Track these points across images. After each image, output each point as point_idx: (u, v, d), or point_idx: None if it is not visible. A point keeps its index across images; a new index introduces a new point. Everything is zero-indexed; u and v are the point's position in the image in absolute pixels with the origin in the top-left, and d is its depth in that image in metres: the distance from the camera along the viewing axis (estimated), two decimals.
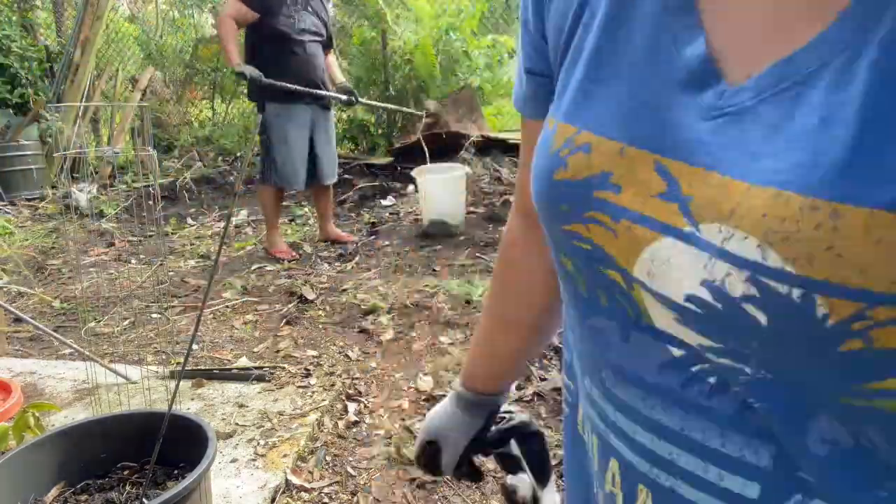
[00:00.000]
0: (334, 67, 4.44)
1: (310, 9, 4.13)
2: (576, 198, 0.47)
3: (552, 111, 0.52)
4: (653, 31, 0.44)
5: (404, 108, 5.62)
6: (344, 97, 4.32)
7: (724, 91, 0.41)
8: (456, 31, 6.83)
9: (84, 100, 6.48)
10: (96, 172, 6.46)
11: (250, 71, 3.89)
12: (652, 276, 0.43)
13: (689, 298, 0.41)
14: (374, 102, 5.07)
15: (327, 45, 4.34)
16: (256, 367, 2.70)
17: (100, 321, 3.31)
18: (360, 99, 4.51)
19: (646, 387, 0.47)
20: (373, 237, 4.71)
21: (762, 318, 0.38)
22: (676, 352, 0.45)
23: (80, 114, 6.43)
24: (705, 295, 0.40)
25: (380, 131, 7.18)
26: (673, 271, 0.42)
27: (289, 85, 3.99)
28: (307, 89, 4.07)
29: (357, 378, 2.65)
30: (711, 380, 0.43)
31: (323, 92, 4.17)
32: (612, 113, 0.46)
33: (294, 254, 4.30)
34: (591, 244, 0.47)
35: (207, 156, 6.87)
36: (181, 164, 6.60)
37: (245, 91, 4.62)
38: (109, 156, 6.30)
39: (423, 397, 2.53)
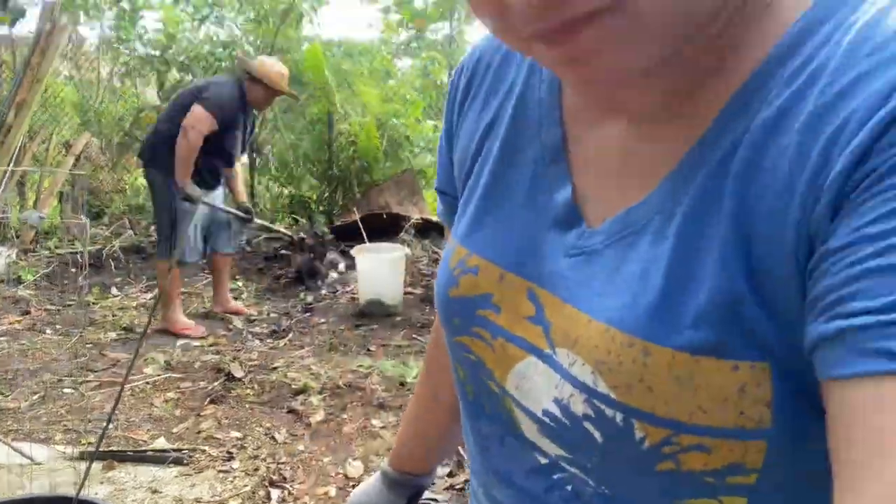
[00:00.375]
0: (240, 179, 4.56)
1: (247, 130, 4.34)
2: (464, 314, 0.53)
3: (453, 230, 0.58)
4: (533, 174, 0.51)
5: (282, 230, 5.69)
6: (243, 214, 4.42)
7: (584, 232, 0.47)
8: (400, 118, 7.06)
9: (13, 162, 6.27)
10: (17, 237, 6.18)
11: (196, 195, 3.97)
12: (519, 390, 0.49)
13: (545, 413, 0.47)
14: (267, 223, 5.21)
15: (241, 150, 4.47)
16: (174, 449, 2.55)
17: (7, 395, 3.09)
18: (255, 219, 4.63)
19: (517, 489, 0.53)
20: (307, 314, 4.63)
21: (598, 436, 0.44)
22: (542, 459, 0.50)
23: (6, 176, 6.20)
24: (556, 411, 0.46)
25: (321, 208, 7.21)
26: (534, 387, 0.48)
27: (224, 208, 4.25)
28: (225, 209, 4.28)
29: (283, 462, 2.54)
30: (568, 488, 0.48)
31: (225, 208, 4.33)
32: (497, 242, 0.52)
33: (200, 329, 4.13)
34: (476, 356, 0.53)
35: (139, 224, 6.69)
36: (110, 231, 6.40)
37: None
38: (34, 220, 6.05)
39: (352, 484, 2.44)
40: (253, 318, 4.50)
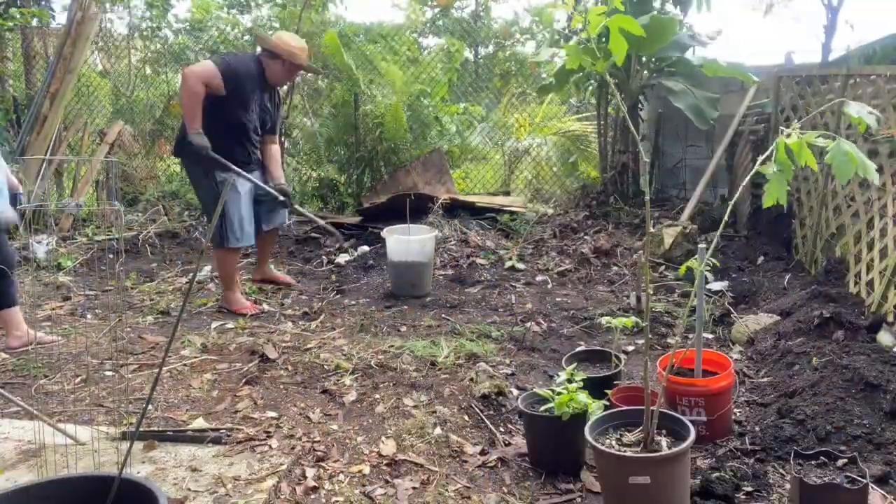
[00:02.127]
0: (276, 162, 4.50)
1: (265, 107, 4.30)
2: None
3: None
4: None
5: (326, 224, 5.55)
6: (281, 197, 4.39)
7: None
8: (427, 97, 7.02)
9: (50, 152, 6.41)
10: (56, 224, 6.34)
11: (203, 145, 3.93)
12: None
13: None
14: (304, 210, 5.17)
15: (270, 131, 4.43)
16: (212, 429, 2.61)
17: (51, 378, 3.19)
18: (293, 204, 4.62)
19: None
20: (338, 296, 4.67)
21: None
22: None
23: (44, 166, 6.34)
24: None
25: (349, 190, 7.24)
26: None
27: (239, 170, 4.13)
28: (248, 176, 4.21)
29: (317, 441, 2.58)
30: None
31: (261, 184, 4.30)
32: None
33: (257, 308, 4.29)
34: None
35: (173, 210, 6.80)
36: (145, 217, 6.52)
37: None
38: (72, 209, 6.19)
39: (385, 462, 2.47)
40: (284, 301, 4.56)
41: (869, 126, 1.82)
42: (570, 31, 6.66)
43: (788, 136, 1.86)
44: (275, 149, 4.50)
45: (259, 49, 4.28)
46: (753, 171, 2.02)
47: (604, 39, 2.04)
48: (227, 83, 3.97)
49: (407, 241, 4.64)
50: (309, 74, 6.94)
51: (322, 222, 5.41)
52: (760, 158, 1.95)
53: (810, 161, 1.84)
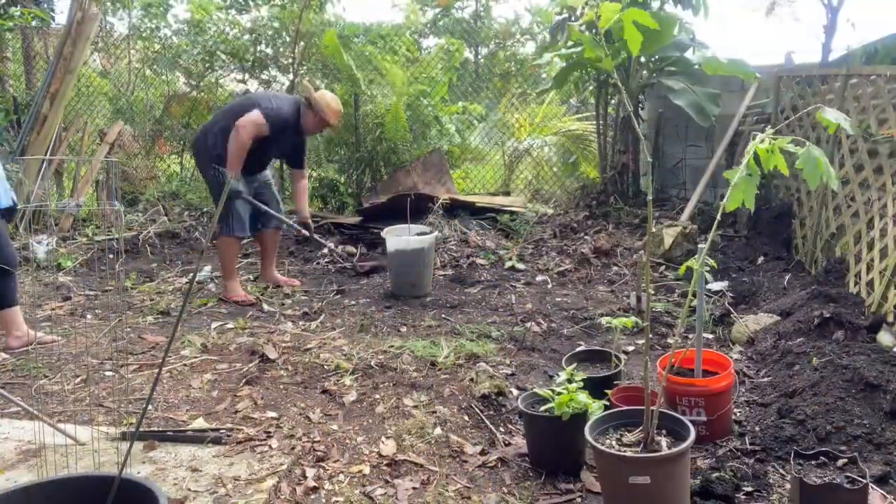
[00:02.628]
0: (304, 196, 4.98)
1: (295, 145, 4.71)
2: None
3: None
4: None
5: (339, 253, 5.50)
6: (302, 229, 4.85)
7: None
8: (427, 97, 7.02)
9: (50, 152, 6.41)
10: (56, 224, 6.33)
11: (239, 191, 4.36)
12: None
13: None
14: (322, 241, 5.24)
15: (299, 166, 4.90)
16: (213, 429, 2.61)
17: (51, 378, 3.19)
18: (313, 235, 4.94)
19: None
20: (338, 296, 4.67)
21: None
22: None
23: (44, 166, 6.34)
24: None
25: (349, 190, 7.24)
26: None
27: (284, 219, 4.78)
28: (285, 220, 4.81)
29: (318, 441, 2.57)
30: None
31: (283, 219, 4.77)
32: None
33: (251, 298, 4.51)
34: None
35: (173, 210, 6.80)
36: (145, 217, 6.52)
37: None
38: (72, 209, 6.19)
39: (385, 462, 2.47)
40: (284, 301, 4.56)
41: (868, 126, 1.83)
42: (575, 17, 6.60)
43: (761, 140, 1.87)
44: (304, 184, 5.01)
45: (301, 97, 4.63)
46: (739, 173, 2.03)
47: (613, 39, 2.05)
48: (271, 129, 4.36)
49: (407, 241, 4.64)
50: (306, 80, 6.96)
51: (332, 246, 5.45)
52: (743, 160, 1.96)
53: (781, 165, 1.86)
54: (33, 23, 6.93)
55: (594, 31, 2.00)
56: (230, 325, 3.97)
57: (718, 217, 2.19)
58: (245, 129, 4.26)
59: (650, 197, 2.18)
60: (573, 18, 6.63)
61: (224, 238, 4.50)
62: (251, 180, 4.58)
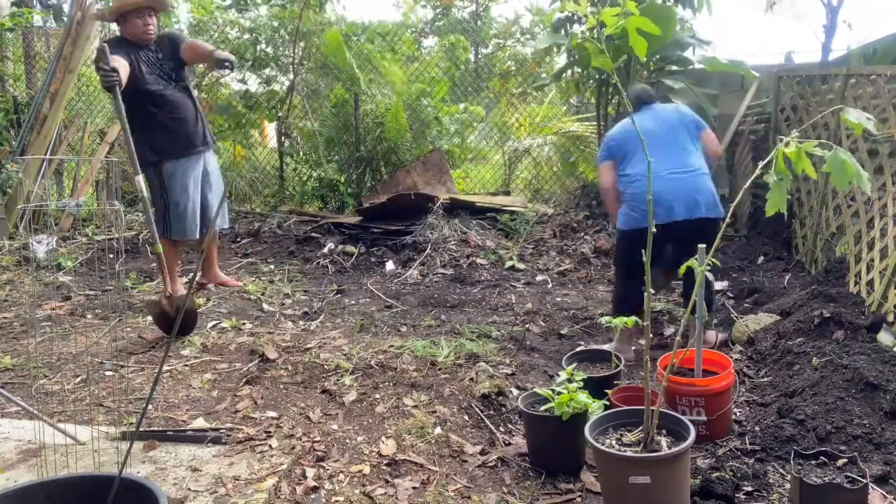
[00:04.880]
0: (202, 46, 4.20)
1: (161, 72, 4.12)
2: None
3: None
4: None
5: None
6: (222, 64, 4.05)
7: None
8: (427, 97, 7.02)
9: (50, 152, 6.41)
10: (56, 224, 6.33)
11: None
12: None
13: None
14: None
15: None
16: (213, 429, 2.61)
17: (51, 378, 3.19)
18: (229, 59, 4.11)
19: None
20: (338, 296, 4.67)
21: None
22: None
23: (44, 166, 6.34)
24: None
25: (349, 190, 7.24)
26: None
27: None
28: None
29: (318, 441, 2.57)
30: None
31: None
32: None
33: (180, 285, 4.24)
34: None
35: None
36: (146, 217, 6.51)
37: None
38: (72, 208, 6.19)
39: (385, 462, 2.47)
40: (284, 301, 4.56)
41: (869, 127, 1.82)
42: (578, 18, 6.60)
43: (787, 144, 1.86)
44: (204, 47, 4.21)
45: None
46: (753, 177, 2.03)
47: (613, 38, 2.05)
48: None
49: None
50: (307, 74, 6.94)
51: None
52: (761, 164, 1.95)
53: (808, 170, 1.84)
54: (41, 22, 6.92)
55: (596, 35, 2.00)
56: (230, 325, 3.97)
57: (728, 219, 2.19)
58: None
59: (649, 197, 2.18)
60: (576, 18, 6.63)
61: (161, 240, 4.05)
62: (187, 166, 4.16)
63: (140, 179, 3.82)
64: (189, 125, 4.20)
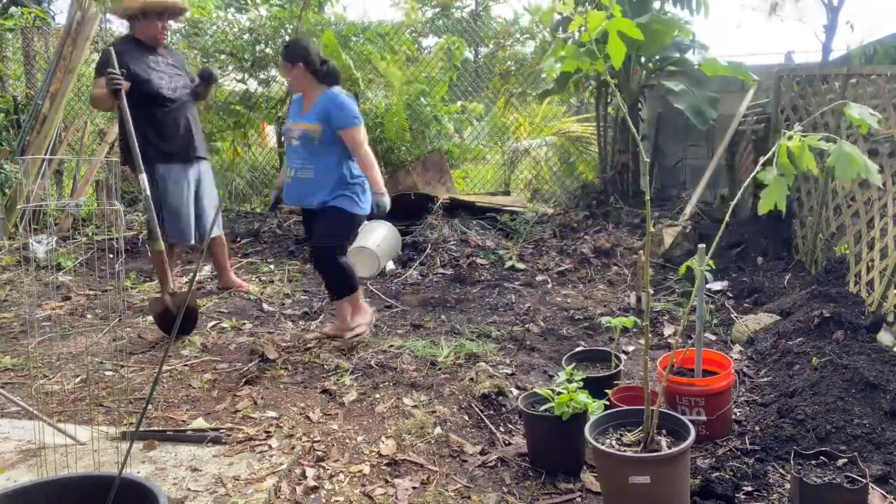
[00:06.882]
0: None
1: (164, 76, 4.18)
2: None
3: None
4: None
5: None
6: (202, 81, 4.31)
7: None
8: (427, 97, 7.01)
9: (50, 151, 6.41)
10: (56, 224, 6.33)
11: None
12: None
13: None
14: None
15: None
16: (212, 429, 2.61)
17: (51, 378, 3.18)
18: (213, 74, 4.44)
19: None
20: None
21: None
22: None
23: (44, 166, 6.34)
24: None
25: None
26: None
27: None
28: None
29: (318, 441, 2.57)
30: None
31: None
32: None
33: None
34: None
35: None
36: (145, 217, 6.51)
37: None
38: (72, 208, 6.19)
39: (385, 462, 2.47)
40: (284, 301, 4.55)
41: (870, 126, 1.81)
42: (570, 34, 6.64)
43: (790, 138, 1.84)
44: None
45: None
46: (754, 173, 2.01)
47: (602, 40, 2.04)
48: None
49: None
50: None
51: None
52: (762, 160, 1.93)
53: (811, 164, 1.82)
54: (35, 22, 6.91)
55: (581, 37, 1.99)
56: (229, 325, 3.96)
57: (727, 218, 2.19)
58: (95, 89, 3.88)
59: (648, 197, 2.17)
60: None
61: (154, 245, 4.11)
62: (181, 172, 4.20)
63: (143, 178, 3.88)
64: (187, 132, 4.24)
